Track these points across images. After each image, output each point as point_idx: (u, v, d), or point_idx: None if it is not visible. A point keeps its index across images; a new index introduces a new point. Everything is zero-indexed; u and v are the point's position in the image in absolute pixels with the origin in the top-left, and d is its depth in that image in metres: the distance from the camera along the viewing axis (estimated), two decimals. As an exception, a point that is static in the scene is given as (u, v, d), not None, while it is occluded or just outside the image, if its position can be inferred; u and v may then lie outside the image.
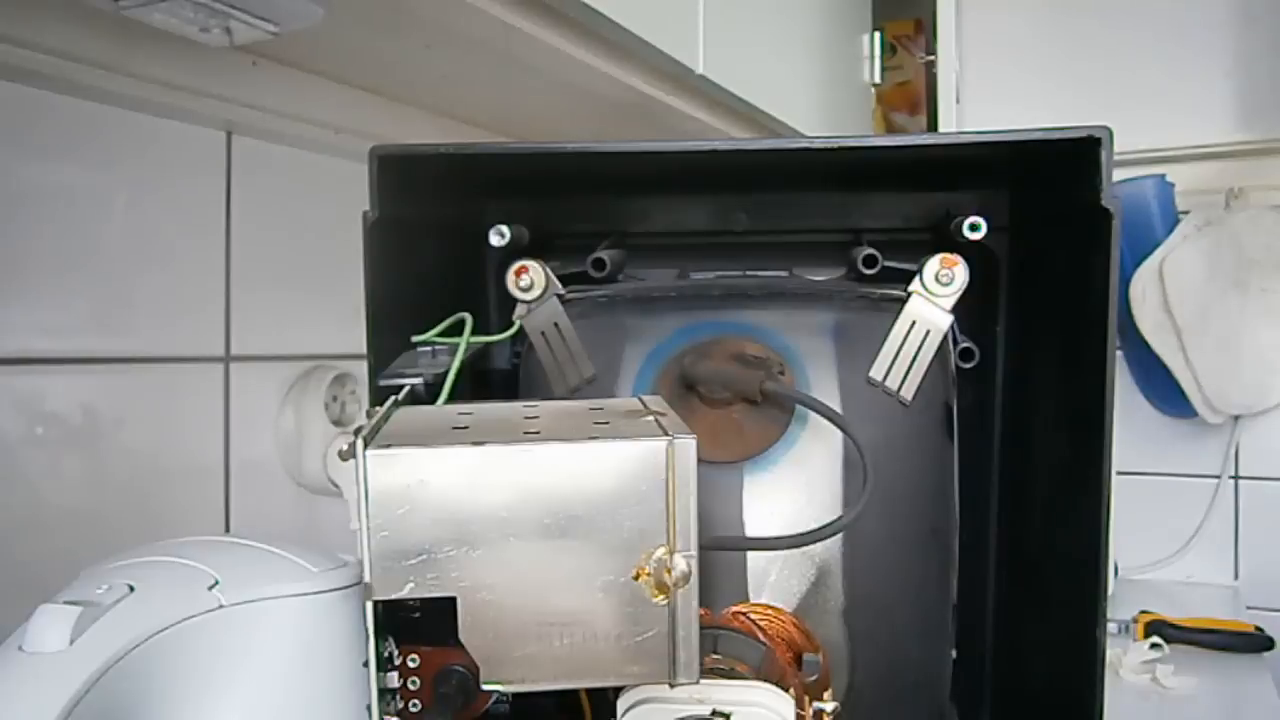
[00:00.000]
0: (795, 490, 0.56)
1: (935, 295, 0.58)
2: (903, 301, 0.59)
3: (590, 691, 0.44)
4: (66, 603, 0.38)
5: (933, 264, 0.58)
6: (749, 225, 0.65)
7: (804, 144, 0.56)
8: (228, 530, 0.76)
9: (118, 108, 0.67)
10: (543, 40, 0.68)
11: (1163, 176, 1.30)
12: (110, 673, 0.37)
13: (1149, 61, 1.38)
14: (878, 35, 1.46)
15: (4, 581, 0.59)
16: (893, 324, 0.58)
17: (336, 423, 0.82)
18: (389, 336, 0.54)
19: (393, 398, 0.44)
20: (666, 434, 0.36)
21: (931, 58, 1.53)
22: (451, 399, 0.50)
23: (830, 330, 0.60)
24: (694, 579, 0.35)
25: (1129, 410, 1.39)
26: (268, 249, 0.79)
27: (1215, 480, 1.37)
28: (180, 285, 0.72)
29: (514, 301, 0.61)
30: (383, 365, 0.52)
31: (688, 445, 0.35)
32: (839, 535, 0.55)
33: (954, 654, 0.61)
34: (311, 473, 0.80)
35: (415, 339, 0.54)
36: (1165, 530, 1.39)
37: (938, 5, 1.47)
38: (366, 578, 0.35)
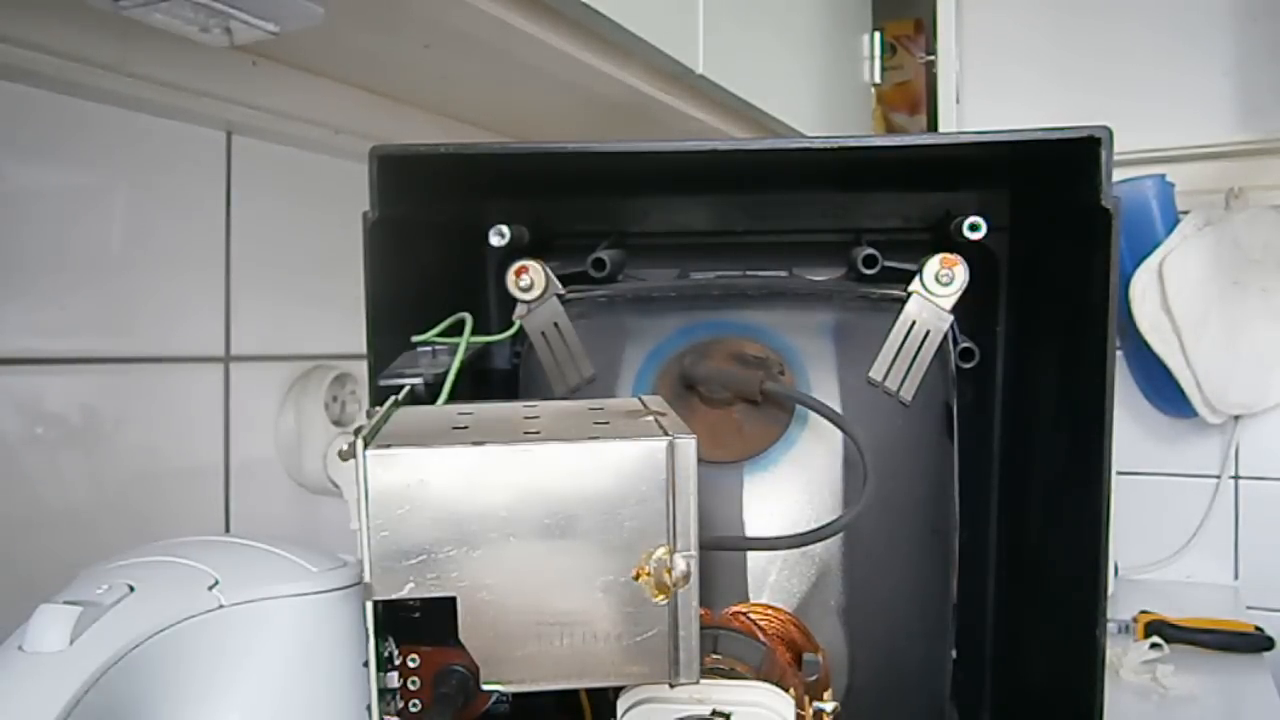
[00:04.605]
0: (795, 490, 0.56)
1: (935, 295, 0.58)
2: (903, 301, 0.59)
3: (590, 691, 0.44)
4: (66, 603, 0.38)
5: (933, 264, 0.58)
6: (749, 225, 0.65)
7: (804, 144, 0.56)
8: (228, 530, 0.76)
9: (118, 108, 0.67)
10: (543, 40, 0.68)
11: (1163, 176, 1.30)
12: (110, 673, 0.37)
13: (1149, 61, 1.38)
14: (878, 35, 1.46)
15: (4, 581, 0.59)
16: (893, 324, 0.58)
17: (336, 423, 0.82)
18: (389, 336, 0.54)
19: (393, 398, 0.44)
20: (666, 434, 0.36)
21: (931, 58, 1.53)
22: (451, 399, 0.50)
23: (830, 330, 0.60)
24: (694, 579, 0.35)
25: (1129, 410, 1.39)
26: (268, 249, 0.79)
27: (1215, 480, 1.37)
28: (180, 285, 0.72)
29: (514, 301, 0.61)
30: (383, 365, 0.52)
31: (688, 445, 0.35)
32: (839, 535, 0.55)
33: (954, 654, 0.61)
34: (311, 473, 0.80)
35: (415, 339, 0.54)
36: (1165, 530, 1.39)
37: (938, 5, 1.47)
38: (366, 578, 0.35)
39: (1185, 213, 1.31)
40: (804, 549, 0.55)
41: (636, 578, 0.35)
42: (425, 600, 0.35)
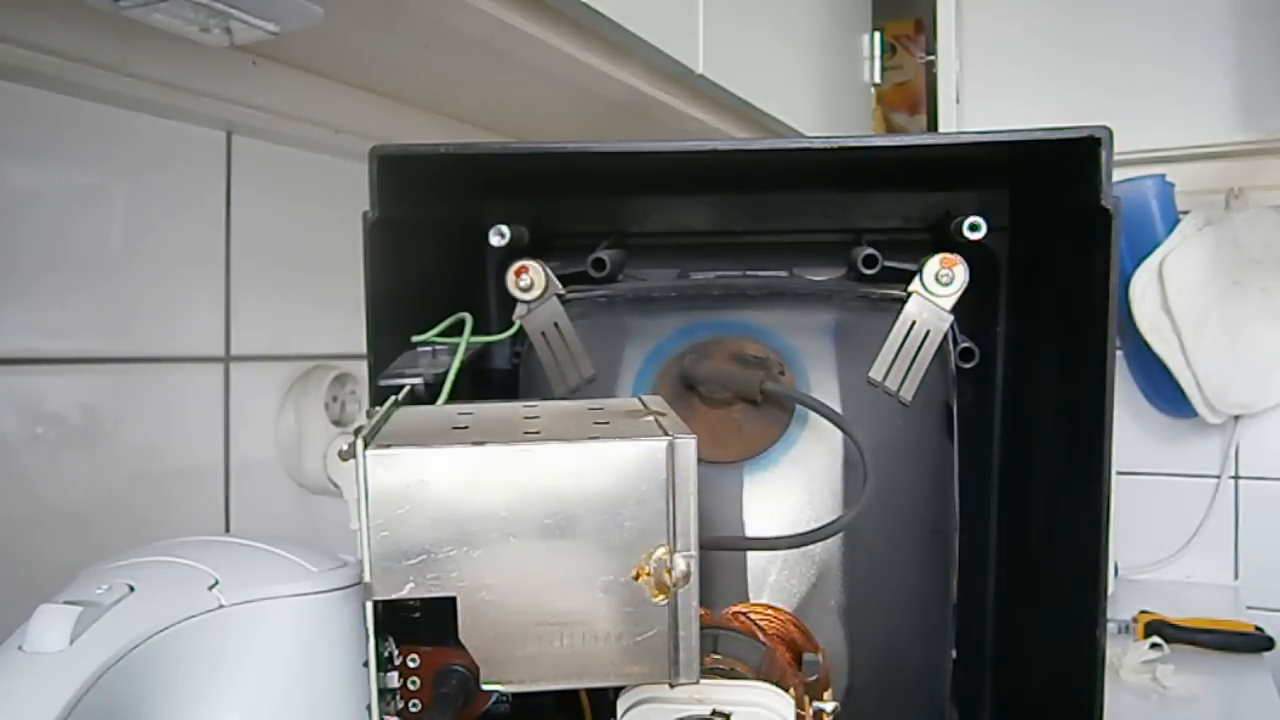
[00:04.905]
0: (795, 490, 0.56)
1: (935, 295, 0.58)
2: (903, 301, 0.59)
3: (590, 691, 0.44)
4: (66, 603, 0.38)
5: (933, 264, 0.58)
6: (749, 225, 0.65)
7: (804, 144, 0.56)
8: (228, 530, 0.76)
9: (118, 108, 0.67)
10: (543, 40, 0.68)
11: (1163, 176, 1.30)
12: (110, 673, 0.37)
13: (1149, 61, 1.38)
14: (878, 35, 1.46)
15: (4, 581, 0.59)
16: (893, 324, 0.58)
17: (336, 423, 0.82)
18: (389, 336, 0.54)
19: (393, 398, 0.44)
20: (666, 434, 0.36)
21: (931, 58, 1.53)
22: (451, 399, 0.50)
23: (830, 330, 0.60)
24: (694, 579, 0.35)
25: (1129, 410, 1.39)
26: (268, 249, 0.79)
27: (1215, 480, 1.37)
28: (180, 285, 0.72)
29: (514, 301, 0.61)
30: (383, 365, 0.52)
31: (688, 445, 0.35)
32: (839, 535, 0.55)
33: (954, 654, 0.61)
34: (311, 473, 0.80)
35: (415, 339, 0.54)
36: (1165, 530, 1.39)
37: (938, 5, 1.47)
38: (366, 578, 0.35)
39: (1185, 213, 1.31)
40: (804, 549, 0.55)
41: (636, 578, 0.35)
42: (425, 600, 0.35)
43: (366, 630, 0.36)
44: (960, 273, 0.58)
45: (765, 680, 0.42)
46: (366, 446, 0.35)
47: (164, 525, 0.69)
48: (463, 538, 0.35)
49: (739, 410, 0.57)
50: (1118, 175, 0.77)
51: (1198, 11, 1.36)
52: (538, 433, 0.37)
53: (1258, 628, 1.08)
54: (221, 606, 0.42)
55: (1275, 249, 1.27)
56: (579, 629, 0.35)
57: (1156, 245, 1.28)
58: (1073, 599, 0.53)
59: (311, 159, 0.82)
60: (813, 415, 0.56)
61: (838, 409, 0.56)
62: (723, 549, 0.55)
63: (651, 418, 0.39)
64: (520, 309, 0.61)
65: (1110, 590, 0.90)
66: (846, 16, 1.36)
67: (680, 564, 0.35)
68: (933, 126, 1.54)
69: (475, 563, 0.35)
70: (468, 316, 0.55)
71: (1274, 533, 1.35)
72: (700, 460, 0.36)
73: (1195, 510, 1.38)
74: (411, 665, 0.40)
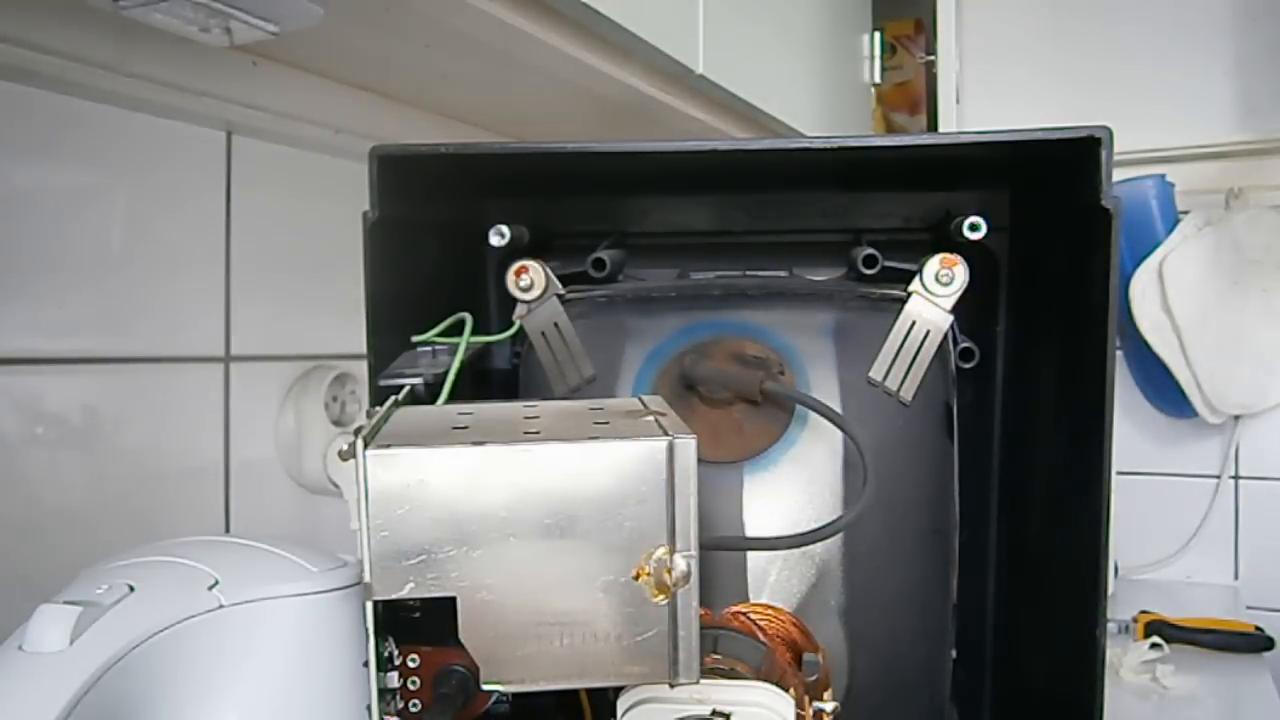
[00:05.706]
0: (795, 490, 0.56)
1: (935, 295, 0.58)
2: (903, 301, 0.59)
3: (590, 691, 0.44)
4: (66, 603, 0.38)
5: (933, 264, 0.58)
6: (749, 225, 0.65)
7: (804, 144, 0.56)
8: (228, 530, 0.76)
9: (118, 108, 0.67)
10: (543, 40, 0.68)
11: (1163, 176, 1.30)
12: (110, 673, 0.37)
13: (1149, 61, 1.38)
14: (878, 35, 1.46)
15: (4, 581, 0.59)
16: (893, 324, 0.58)
17: (336, 423, 0.82)
18: (389, 336, 0.54)
19: (393, 398, 0.44)
20: (666, 434, 0.36)
21: (931, 58, 1.53)
22: (451, 399, 0.50)
23: (830, 330, 0.60)
24: (694, 579, 0.35)
25: (1129, 410, 1.39)
26: (268, 249, 0.79)
27: (1215, 480, 1.37)
28: (180, 285, 0.72)
29: (514, 301, 0.61)
30: (383, 365, 0.52)
31: (688, 445, 0.35)
32: (839, 535, 0.55)
33: (954, 654, 0.61)
34: (311, 473, 0.80)
35: (415, 339, 0.54)
36: (1165, 530, 1.39)
37: (938, 5, 1.47)
38: (366, 578, 0.35)
39: (1185, 213, 1.31)
40: (804, 549, 0.55)
41: (636, 578, 0.35)
42: (425, 600, 0.35)
43: (366, 630, 0.36)
44: (960, 273, 0.58)
45: (765, 680, 0.42)
46: (366, 446, 0.35)
47: (164, 525, 0.69)
48: (463, 538, 0.35)
49: (739, 410, 0.57)
50: (1118, 175, 0.77)
51: (1197, 12, 1.36)
52: (538, 433, 0.37)
53: (1258, 628, 1.08)
54: (221, 606, 0.42)
55: (1275, 249, 1.28)
56: (579, 629, 0.35)
57: (1156, 245, 1.28)
58: (1073, 599, 0.53)
59: (311, 159, 0.82)
60: (813, 415, 0.56)
61: (838, 409, 0.56)
62: (723, 549, 0.55)
63: (651, 418, 0.39)
64: (520, 309, 0.61)
65: (1110, 590, 0.90)
66: (846, 16, 1.36)
67: (680, 564, 0.35)
68: (933, 126, 1.54)
69: (475, 563, 0.35)
70: (468, 316, 0.55)
71: (1274, 533, 1.35)
72: (700, 460, 0.36)
73: (1195, 510, 1.38)
74: (411, 665, 0.40)
